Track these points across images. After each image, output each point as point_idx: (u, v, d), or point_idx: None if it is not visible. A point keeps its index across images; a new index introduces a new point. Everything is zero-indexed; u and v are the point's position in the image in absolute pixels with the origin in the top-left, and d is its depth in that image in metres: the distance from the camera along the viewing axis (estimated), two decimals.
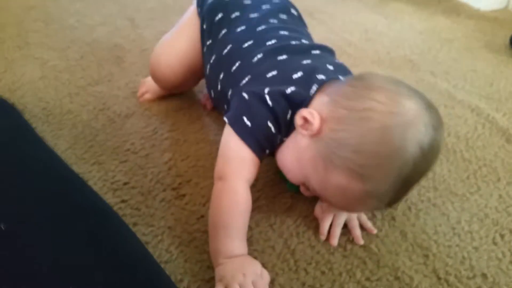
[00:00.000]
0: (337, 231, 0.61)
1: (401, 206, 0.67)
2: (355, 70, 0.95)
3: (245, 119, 0.59)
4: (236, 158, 0.60)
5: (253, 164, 0.60)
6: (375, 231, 0.62)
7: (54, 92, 0.92)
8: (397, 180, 0.50)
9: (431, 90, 0.94)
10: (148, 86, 0.89)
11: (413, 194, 0.69)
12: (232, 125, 0.60)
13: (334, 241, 0.61)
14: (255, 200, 0.66)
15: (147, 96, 0.89)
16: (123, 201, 0.67)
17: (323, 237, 0.61)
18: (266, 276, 0.53)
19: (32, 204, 0.39)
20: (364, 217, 0.64)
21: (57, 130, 0.81)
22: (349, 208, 0.59)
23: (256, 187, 0.69)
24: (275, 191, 0.69)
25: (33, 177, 0.42)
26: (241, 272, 0.51)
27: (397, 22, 1.23)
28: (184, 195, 0.68)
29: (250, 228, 0.62)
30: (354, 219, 0.63)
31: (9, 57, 1.05)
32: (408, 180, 0.51)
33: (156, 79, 0.84)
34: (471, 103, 0.91)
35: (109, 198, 0.67)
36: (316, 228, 0.63)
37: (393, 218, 0.65)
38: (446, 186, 0.71)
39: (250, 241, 0.61)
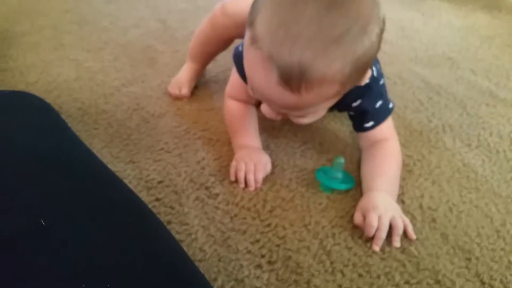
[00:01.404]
0: (383, 234, 0.58)
1: (442, 207, 0.64)
2: (391, 68, 0.93)
3: (237, 49, 0.72)
4: (231, 82, 0.77)
5: (243, 88, 0.72)
6: (414, 237, 0.60)
7: (89, 93, 0.93)
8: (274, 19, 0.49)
9: (471, 89, 0.91)
10: (180, 83, 0.90)
11: (455, 195, 0.66)
12: (233, 59, 0.73)
13: (378, 245, 0.58)
14: (289, 201, 0.65)
15: (184, 91, 0.89)
16: (157, 199, 0.67)
17: (376, 247, 0.58)
18: (268, 167, 0.70)
19: (70, 201, 0.39)
20: (407, 220, 0.61)
21: (92, 129, 0.82)
22: (266, 94, 0.55)
23: (289, 187, 0.68)
24: (310, 191, 0.67)
25: (72, 174, 0.42)
26: (248, 156, 0.69)
27: (434, 19, 1.20)
28: (217, 194, 0.67)
29: (283, 227, 0.61)
30: (398, 218, 0.59)
31: (45, 58, 1.08)
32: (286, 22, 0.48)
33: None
34: None
35: (144, 196, 0.67)
36: (353, 230, 0.61)
37: (434, 220, 0.62)
38: (489, 187, 0.68)
39: (284, 240, 0.59)
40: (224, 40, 0.87)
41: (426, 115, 0.83)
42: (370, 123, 0.69)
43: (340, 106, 0.67)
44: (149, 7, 1.34)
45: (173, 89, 0.91)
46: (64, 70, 1.02)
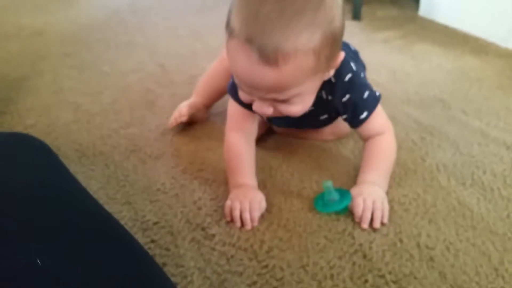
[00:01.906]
0: (368, 213, 0.67)
1: (439, 246, 0.64)
2: (384, 110, 0.95)
3: (231, 80, 0.75)
4: (229, 115, 0.79)
5: (241, 115, 0.76)
6: (385, 221, 0.68)
7: (87, 135, 0.94)
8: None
9: (463, 128, 0.93)
10: (181, 109, 0.93)
11: (451, 233, 0.66)
12: (228, 91, 0.78)
13: (365, 223, 0.67)
14: (286, 241, 0.65)
15: (183, 117, 0.91)
16: (152, 241, 0.66)
17: (364, 225, 0.67)
18: (263, 204, 0.71)
19: (67, 240, 0.39)
20: (386, 206, 0.69)
21: (89, 171, 0.83)
22: (246, 77, 0.61)
23: (286, 227, 0.68)
24: (308, 231, 0.67)
25: (69, 214, 0.43)
26: (243, 194, 0.70)
27: (425, 62, 1.23)
28: (213, 235, 0.67)
29: (281, 269, 0.61)
30: (378, 202, 0.68)
31: (45, 102, 1.10)
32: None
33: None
34: (506, 140, 0.88)
35: (139, 238, 0.66)
36: (351, 270, 0.60)
37: (431, 259, 0.62)
38: (485, 225, 0.68)
39: (281, 282, 0.59)
40: (229, 74, 0.87)
41: (420, 155, 0.84)
42: (365, 114, 0.74)
43: (333, 105, 0.74)
44: (149, 52, 1.38)
45: (173, 116, 0.93)
46: (62, 113, 1.03)
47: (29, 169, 0.48)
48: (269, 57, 0.56)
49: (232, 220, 0.69)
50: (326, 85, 0.71)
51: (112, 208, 0.72)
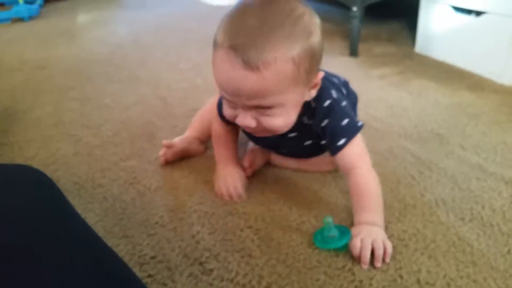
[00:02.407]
0: (366, 252, 0.66)
1: (440, 282, 0.63)
2: (382, 144, 0.96)
3: (219, 98, 0.81)
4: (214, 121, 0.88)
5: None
6: (387, 260, 0.66)
7: (87, 167, 0.94)
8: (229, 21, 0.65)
9: (461, 164, 0.93)
10: (173, 141, 0.94)
11: (452, 269, 0.65)
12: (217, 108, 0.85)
13: (364, 263, 0.66)
14: (285, 277, 0.64)
15: (174, 149, 0.93)
16: (149, 275, 0.65)
17: (363, 265, 0.66)
18: (242, 180, 0.83)
19: (67, 274, 0.38)
20: (388, 244, 0.67)
21: (88, 203, 0.83)
22: (228, 83, 0.66)
23: (285, 263, 0.67)
24: (307, 266, 0.66)
25: (69, 247, 0.42)
26: (223, 175, 0.84)
27: (422, 98, 1.25)
28: (211, 270, 0.66)
29: None
30: (378, 241, 0.66)
31: (45, 134, 1.11)
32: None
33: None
34: (504, 175, 0.89)
35: (136, 273, 0.65)
36: None
37: None
38: (485, 261, 0.67)
39: None
40: None
41: (418, 190, 0.84)
42: (342, 141, 0.75)
43: (314, 130, 0.77)
44: (151, 86, 1.40)
45: (161, 151, 0.94)
46: (63, 145, 1.04)
47: (30, 201, 0.48)
48: (251, 63, 0.61)
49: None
50: (307, 110, 0.75)
51: (109, 242, 0.71)
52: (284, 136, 0.76)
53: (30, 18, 2.51)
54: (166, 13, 2.55)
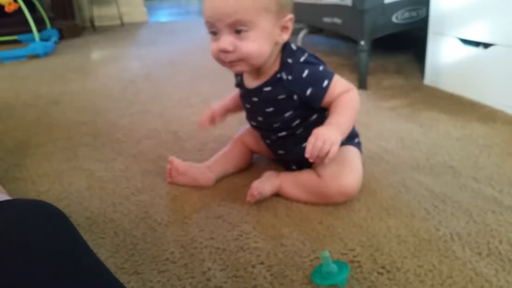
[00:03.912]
0: (314, 153, 0.77)
1: None
2: (395, 177, 0.95)
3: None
4: None
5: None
6: (326, 162, 0.77)
7: (99, 202, 0.95)
8: None
9: (475, 197, 0.92)
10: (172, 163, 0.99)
11: None
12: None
13: (310, 159, 0.78)
14: None
15: (173, 173, 0.99)
16: None
17: (310, 160, 0.78)
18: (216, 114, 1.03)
19: None
20: (334, 148, 0.76)
21: (99, 239, 0.82)
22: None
23: None
24: None
25: (81, 282, 0.42)
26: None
27: (433, 129, 1.25)
28: None
29: None
30: (326, 143, 0.76)
31: (58, 168, 1.12)
32: None
33: None
34: None
35: None
36: None
37: None
38: None
39: None
40: (242, 156, 1.05)
41: (433, 224, 0.83)
42: (326, 82, 0.84)
43: (293, 85, 0.84)
44: (162, 120, 1.42)
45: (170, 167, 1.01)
46: (75, 180, 1.05)
47: (44, 236, 0.48)
48: None
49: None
50: (286, 66, 0.84)
51: (120, 278, 0.71)
52: (265, 112, 0.89)
53: (46, 54, 2.59)
54: (176, 49, 2.61)
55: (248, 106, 0.94)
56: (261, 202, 0.91)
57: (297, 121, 0.90)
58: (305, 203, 0.91)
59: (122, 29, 3.49)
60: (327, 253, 0.68)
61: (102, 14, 3.67)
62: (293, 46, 0.87)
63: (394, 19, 1.59)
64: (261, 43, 0.79)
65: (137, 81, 1.92)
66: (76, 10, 3.37)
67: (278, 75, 0.85)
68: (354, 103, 0.86)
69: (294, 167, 0.99)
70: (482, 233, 0.80)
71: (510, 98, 1.33)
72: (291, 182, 0.92)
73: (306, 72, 0.84)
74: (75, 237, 0.51)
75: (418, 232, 0.81)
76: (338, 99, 0.85)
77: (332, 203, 0.89)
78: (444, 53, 1.54)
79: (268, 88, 0.87)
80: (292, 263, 0.74)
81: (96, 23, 3.58)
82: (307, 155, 0.77)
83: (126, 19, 3.70)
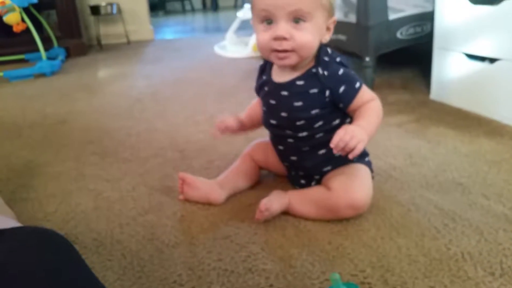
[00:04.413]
0: (341, 144, 0.79)
1: None
2: (403, 194, 0.95)
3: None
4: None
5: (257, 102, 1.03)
6: (356, 151, 0.79)
7: (106, 223, 0.94)
8: None
9: (486, 214, 0.90)
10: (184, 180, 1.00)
11: None
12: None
13: (334, 150, 0.80)
14: None
15: (185, 189, 1.00)
16: None
17: (334, 151, 0.81)
18: (234, 123, 1.02)
19: None
20: (360, 145, 0.79)
21: (107, 261, 0.82)
22: None
23: None
24: None
25: None
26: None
27: (441, 145, 1.24)
28: None
29: None
30: (354, 139, 0.79)
31: (65, 189, 1.12)
32: None
33: None
34: None
35: None
36: None
37: None
38: None
39: None
40: (253, 166, 1.05)
41: (444, 243, 0.82)
42: (358, 84, 0.87)
43: (328, 81, 0.87)
44: (169, 138, 1.42)
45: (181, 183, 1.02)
46: (82, 200, 1.05)
47: (47, 264, 0.48)
48: None
49: None
50: (322, 63, 0.87)
51: None
52: (292, 106, 0.89)
53: (52, 73, 2.61)
54: (182, 67, 2.62)
55: (273, 102, 0.93)
56: (269, 221, 0.91)
57: (320, 122, 0.91)
58: (314, 221, 0.90)
59: (129, 47, 3.53)
60: (337, 275, 0.67)
61: (108, 32, 3.71)
62: (328, 48, 0.91)
63: (398, 35, 1.60)
64: (314, 36, 0.84)
65: (144, 99, 1.94)
66: (83, 29, 3.40)
67: (314, 70, 0.88)
68: (380, 111, 0.89)
69: (303, 181, 0.98)
70: (494, 252, 0.79)
71: None
72: (299, 199, 0.92)
73: (342, 71, 0.87)
74: (78, 265, 0.50)
75: (428, 252, 0.79)
76: (366, 106, 0.88)
77: (341, 218, 0.88)
78: (449, 68, 1.54)
79: (301, 82, 0.89)
80: (302, 285, 0.73)
81: (103, 41, 3.62)
82: (332, 145, 0.79)
83: (133, 37, 3.74)
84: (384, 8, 1.53)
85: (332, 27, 0.88)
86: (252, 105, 1.06)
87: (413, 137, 1.31)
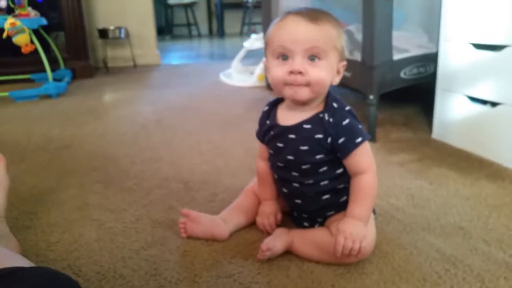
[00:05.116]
0: (345, 251, 0.85)
1: None
2: (406, 237, 0.96)
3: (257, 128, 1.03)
4: (258, 151, 1.05)
5: (262, 146, 1.02)
6: (363, 251, 0.86)
7: (109, 255, 0.95)
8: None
9: (487, 260, 0.91)
10: (188, 216, 1.00)
11: None
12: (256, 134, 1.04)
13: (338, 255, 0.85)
14: None
15: (188, 226, 1.00)
16: None
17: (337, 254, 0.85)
18: (278, 215, 1.02)
19: None
20: (363, 244, 0.85)
21: None
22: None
23: None
24: None
25: None
26: (262, 210, 1.03)
27: (442, 187, 1.25)
28: None
29: None
30: (356, 243, 0.84)
31: (69, 218, 1.12)
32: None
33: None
34: None
35: None
36: None
37: None
38: None
39: None
40: (256, 202, 1.06)
41: None
42: (359, 139, 0.88)
43: (332, 128, 0.88)
44: (173, 169, 1.43)
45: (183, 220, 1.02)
46: (86, 231, 1.05)
47: None
48: (312, 19, 0.84)
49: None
50: (331, 109, 0.89)
51: None
52: (299, 150, 0.91)
53: (58, 95, 2.64)
54: (188, 93, 2.66)
55: (281, 145, 0.94)
56: (272, 260, 0.91)
57: (325, 168, 0.92)
58: (317, 262, 0.90)
59: (135, 71, 3.58)
60: None
61: (115, 55, 3.76)
62: (338, 96, 0.93)
63: (402, 74, 1.63)
64: (328, 74, 0.87)
65: (149, 125, 1.96)
66: (90, 51, 3.46)
67: (321, 115, 0.90)
68: (374, 190, 0.90)
69: (306, 223, 0.99)
70: None
71: None
72: (302, 240, 0.92)
73: (347, 121, 0.89)
74: None
75: None
76: (361, 183, 0.89)
77: (344, 263, 0.89)
78: (452, 109, 1.56)
79: (308, 126, 0.90)
80: None
81: (109, 64, 3.67)
82: (337, 254, 0.84)
83: (139, 61, 3.79)
84: (389, 48, 1.57)
85: (342, 70, 0.91)
86: (262, 172, 1.04)
87: (415, 178, 1.32)
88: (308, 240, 0.92)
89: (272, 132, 0.96)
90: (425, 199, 1.18)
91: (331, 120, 0.88)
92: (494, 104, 1.40)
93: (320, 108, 0.91)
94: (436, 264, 0.90)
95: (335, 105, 0.90)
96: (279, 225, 1.01)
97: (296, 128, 0.91)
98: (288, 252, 0.93)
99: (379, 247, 0.94)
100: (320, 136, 0.89)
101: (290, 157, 0.93)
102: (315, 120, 0.90)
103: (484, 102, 1.44)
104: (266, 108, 1.00)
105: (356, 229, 0.85)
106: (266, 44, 0.90)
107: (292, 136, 0.92)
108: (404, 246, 0.96)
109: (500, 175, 1.33)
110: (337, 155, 0.90)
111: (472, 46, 1.44)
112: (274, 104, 0.98)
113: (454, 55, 1.52)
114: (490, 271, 0.88)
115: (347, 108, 0.91)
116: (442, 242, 0.98)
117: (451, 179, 1.31)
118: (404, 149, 1.55)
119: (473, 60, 1.45)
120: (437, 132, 1.65)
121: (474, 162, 1.43)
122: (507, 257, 0.93)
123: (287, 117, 0.94)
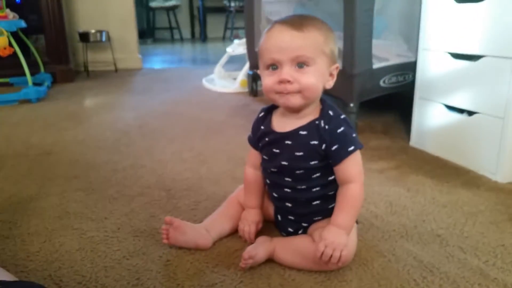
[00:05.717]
0: (325, 259, 0.87)
1: None
2: (384, 244, 0.98)
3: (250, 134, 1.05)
4: (248, 157, 1.06)
5: (253, 153, 1.04)
6: (343, 259, 0.87)
7: (90, 265, 0.94)
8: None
9: (462, 268, 0.94)
10: (171, 224, 1.00)
11: None
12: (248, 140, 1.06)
13: (317, 266, 0.90)
14: None
15: (171, 234, 0.99)
16: None
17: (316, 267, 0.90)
18: (259, 225, 1.03)
19: None
20: (343, 254, 0.87)
21: None
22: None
23: None
24: None
25: None
26: (245, 217, 1.04)
27: (420, 195, 1.28)
28: None
29: None
30: (337, 251, 0.86)
31: (49, 226, 1.11)
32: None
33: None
34: (506, 281, 0.89)
35: None
36: None
37: None
38: None
39: None
40: (240, 210, 1.07)
41: None
42: (352, 147, 0.90)
43: (326, 134, 0.90)
44: (155, 176, 1.43)
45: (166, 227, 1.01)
46: (67, 240, 1.05)
47: None
48: (297, 27, 0.86)
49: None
50: (326, 116, 0.91)
51: None
52: (294, 155, 0.92)
53: (38, 100, 2.60)
54: (171, 99, 2.65)
55: (277, 151, 0.95)
56: (254, 268, 0.92)
57: (318, 174, 0.93)
58: (299, 270, 0.92)
59: (116, 75, 3.55)
60: None
61: (96, 59, 3.73)
62: (333, 104, 0.95)
63: (382, 83, 1.67)
64: (317, 79, 0.88)
65: (131, 132, 1.95)
66: (71, 55, 3.42)
67: (317, 122, 0.91)
68: (360, 200, 0.92)
69: (290, 229, 1.00)
70: None
71: (493, 165, 1.38)
72: (284, 247, 0.94)
73: (342, 129, 0.90)
74: None
75: None
76: (348, 191, 0.91)
77: (325, 270, 0.90)
78: (429, 118, 1.60)
79: (304, 132, 0.92)
80: None
81: (90, 68, 3.63)
82: (317, 261, 0.87)
83: (121, 65, 3.77)
84: (369, 57, 1.60)
85: (335, 73, 0.92)
86: (250, 180, 1.06)
87: (393, 185, 1.35)
88: (290, 247, 0.94)
89: (267, 138, 0.97)
90: (403, 207, 1.21)
91: (326, 127, 0.90)
92: (470, 113, 1.44)
93: (315, 115, 0.93)
94: (413, 271, 0.93)
95: (331, 113, 0.92)
96: (259, 232, 1.02)
97: (293, 134, 0.93)
98: (270, 260, 0.94)
99: (358, 254, 0.96)
100: (315, 142, 0.91)
101: (284, 163, 0.94)
102: (311, 126, 0.91)
103: (461, 111, 1.48)
104: (261, 114, 1.01)
105: (338, 237, 0.87)
106: (259, 55, 0.92)
107: (288, 142, 0.93)
108: (382, 253, 0.99)
109: (475, 183, 1.36)
110: (329, 161, 0.92)
111: (449, 56, 1.49)
112: (269, 111, 0.99)
113: (432, 64, 1.56)
114: (465, 278, 0.91)
115: (342, 116, 0.93)
116: (419, 249, 1.01)
117: (428, 186, 1.34)
118: (383, 157, 1.58)
119: (450, 70, 1.49)
120: (415, 140, 1.68)
121: (451, 169, 1.47)
122: (482, 264, 0.96)
123: (282, 124, 0.95)
